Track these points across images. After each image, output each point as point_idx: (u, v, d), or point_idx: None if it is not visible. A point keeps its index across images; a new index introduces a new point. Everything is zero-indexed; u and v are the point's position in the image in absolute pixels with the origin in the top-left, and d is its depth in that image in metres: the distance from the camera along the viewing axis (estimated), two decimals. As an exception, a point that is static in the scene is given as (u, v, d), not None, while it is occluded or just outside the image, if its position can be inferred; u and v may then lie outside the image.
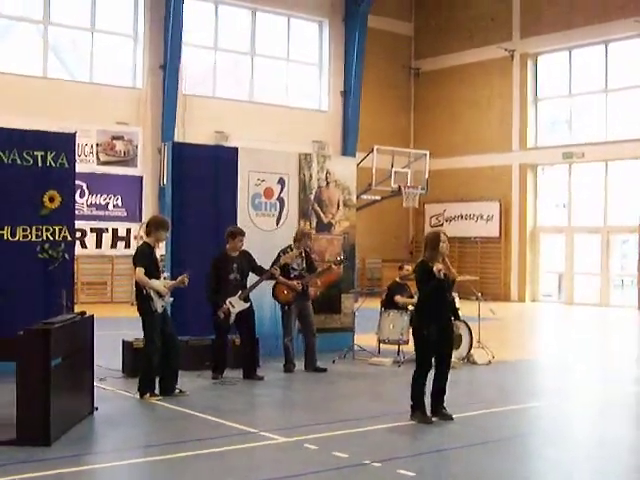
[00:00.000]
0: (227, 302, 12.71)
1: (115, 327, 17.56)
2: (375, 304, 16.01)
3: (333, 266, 14.84)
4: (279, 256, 13.58)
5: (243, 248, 13.06)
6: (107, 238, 27.78)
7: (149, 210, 28.09)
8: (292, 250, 13.65)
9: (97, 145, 27.54)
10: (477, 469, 8.02)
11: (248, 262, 13.08)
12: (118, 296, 27.45)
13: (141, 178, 28.49)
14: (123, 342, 13.16)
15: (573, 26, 30.17)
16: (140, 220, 27.90)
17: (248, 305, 12.90)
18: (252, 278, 13.17)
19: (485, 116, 33.04)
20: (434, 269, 9.80)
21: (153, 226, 11.28)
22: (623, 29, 29.14)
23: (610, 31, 29.50)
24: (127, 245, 27.76)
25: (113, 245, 27.86)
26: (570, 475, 8.05)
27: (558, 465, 8.38)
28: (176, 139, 27.07)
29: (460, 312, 14.48)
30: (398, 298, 15.29)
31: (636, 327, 25.24)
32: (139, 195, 28.42)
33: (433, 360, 10.10)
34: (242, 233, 13.05)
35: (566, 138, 32.04)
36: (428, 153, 29.29)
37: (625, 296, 31.36)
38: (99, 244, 27.55)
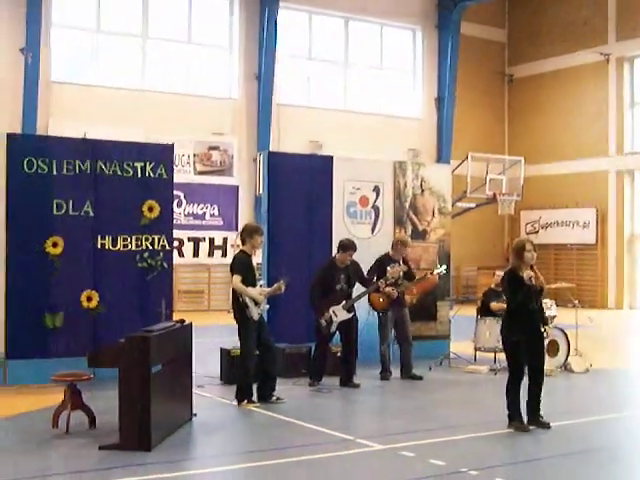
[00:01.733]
0: (331, 310, 12.79)
1: (212, 335, 17.85)
2: (471, 312, 15.93)
3: (429, 275, 14.80)
4: (379, 265, 13.62)
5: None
6: (204, 247, 28.17)
7: (245, 219, 28.35)
8: (391, 259, 13.67)
9: (194, 155, 27.99)
10: (576, 477, 7.94)
11: (355, 272, 13.14)
12: (215, 304, 27.80)
13: (237, 187, 28.82)
14: (221, 350, 13.35)
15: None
16: (236, 229, 28.19)
17: (351, 315, 12.95)
18: (357, 288, 13.25)
19: (580, 121, 32.58)
20: (524, 275, 9.77)
21: (247, 233, 11.42)
22: None
23: None
24: (224, 254, 28.10)
25: (210, 254, 28.24)
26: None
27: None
28: (271, 149, 27.28)
29: (555, 320, 14.55)
30: (494, 305, 15.17)
31: None
32: (235, 204, 28.76)
33: (526, 368, 10.03)
34: (354, 248, 13.02)
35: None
36: (523, 159, 29.06)
37: None
38: (196, 253, 27.96)
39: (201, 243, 28.16)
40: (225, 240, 28.34)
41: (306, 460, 8.41)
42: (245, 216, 28.50)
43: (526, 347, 9.88)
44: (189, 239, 27.74)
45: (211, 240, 28.30)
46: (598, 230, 31.84)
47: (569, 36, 32.77)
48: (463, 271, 32.88)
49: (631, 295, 31.51)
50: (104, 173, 13.12)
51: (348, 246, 13.08)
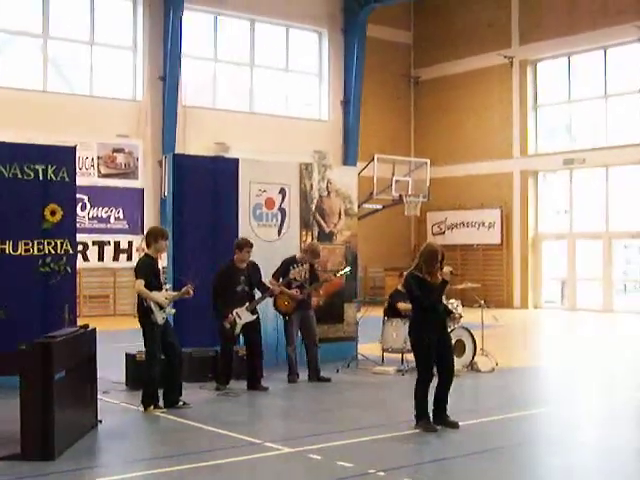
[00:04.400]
0: (234, 313, 12.69)
1: (118, 340, 17.59)
2: (378, 313, 15.98)
3: (333, 276, 14.80)
4: (285, 267, 13.58)
5: (252, 260, 13.06)
6: (109, 251, 27.78)
7: (150, 222, 28.00)
8: (297, 261, 13.68)
9: (98, 158, 27.58)
10: (482, 477, 7.99)
11: (255, 275, 13.06)
12: (121, 309, 27.44)
13: (142, 190, 28.49)
14: (126, 355, 13.14)
15: (572, 32, 30.22)
16: (142, 232, 27.83)
17: (255, 317, 12.88)
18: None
19: (485, 123, 33.05)
20: (444, 270, 9.83)
21: (152, 237, 11.27)
22: (622, 34, 29.17)
23: (609, 36, 29.55)
24: (129, 258, 27.74)
25: (115, 258, 27.86)
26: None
27: (563, 473, 8.34)
28: (176, 151, 27.03)
29: (461, 320, 14.69)
30: (401, 305, 15.19)
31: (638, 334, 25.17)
32: (140, 207, 28.42)
33: (435, 369, 10.09)
34: (250, 245, 13.01)
35: (567, 144, 32.09)
36: (429, 161, 29.32)
37: (628, 301, 31.32)
38: (101, 257, 27.55)
39: (106, 247, 27.75)
40: (130, 244, 27.97)
41: (214, 465, 8.29)
42: (150, 219, 28.18)
43: (435, 347, 9.91)
44: (94, 243, 27.32)
45: (116, 244, 27.91)
46: (503, 231, 32.33)
47: (474, 39, 33.21)
48: (370, 272, 33.02)
49: (536, 294, 32.03)
50: (3, 176, 12.80)
51: (243, 244, 13.01)
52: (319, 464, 8.30)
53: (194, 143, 28.50)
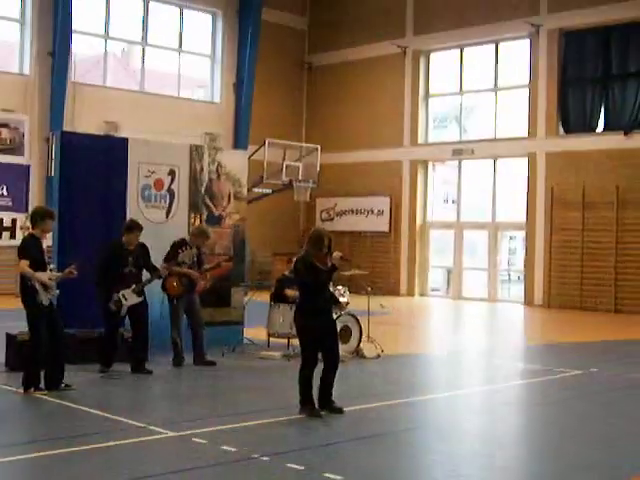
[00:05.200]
0: (120, 294, 12.51)
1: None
2: (265, 298, 15.97)
3: (222, 262, 14.71)
4: (175, 250, 13.45)
5: (140, 241, 12.90)
6: (-8, 228, 27.10)
7: (36, 200, 27.46)
8: (188, 246, 13.59)
9: (-18, 133, 26.85)
10: (366, 462, 8.04)
11: (143, 256, 12.90)
12: (3, 287, 26.76)
13: (28, 167, 27.81)
14: (7, 335, 12.82)
15: (465, 25, 30.58)
16: (26, 210, 27.22)
17: (141, 299, 12.72)
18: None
19: (377, 112, 33.21)
20: (334, 255, 9.87)
21: (38, 216, 11.01)
22: (513, 29, 29.65)
23: (501, 31, 30.00)
24: (12, 236, 27.08)
25: (-3, 235, 27.19)
26: (457, 468, 8.13)
27: (447, 458, 8.45)
28: (65, 128, 26.44)
29: (348, 306, 14.78)
30: (289, 292, 15.26)
31: (522, 322, 25.78)
32: (25, 185, 27.75)
33: (319, 354, 10.12)
34: (140, 227, 12.89)
35: (456, 135, 32.55)
36: (320, 147, 29.34)
37: (512, 291, 32.03)
38: (-17, 234, 26.85)
39: (-12, 224, 27.06)
40: (14, 221, 27.27)
41: (96, 448, 8.16)
42: (36, 197, 27.57)
43: (321, 333, 9.95)
44: (-25, 219, 26.62)
45: (-1, 221, 27.25)
46: (392, 219, 32.59)
47: (368, 27, 33.32)
48: (258, 257, 32.94)
49: (422, 283, 32.41)
50: None
51: (133, 226, 12.88)
52: (203, 448, 8.24)
53: (83, 121, 27.92)
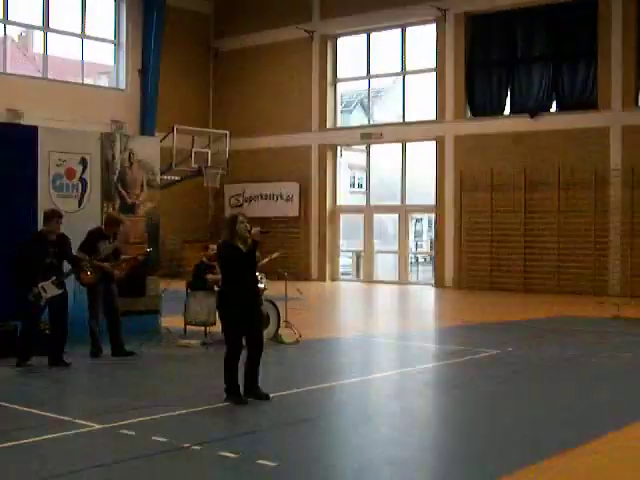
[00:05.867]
0: (39, 286, 12.22)
1: None
2: (178, 285, 15.84)
3: (139, 257, 14.49)
4: (93, 241, 13.22)
5: (62, 232, 12.62)
6: None
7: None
8: (105, 235, 13.38)
9: None
10: (296, 448, 8.04)
11: (65, 248, 12.62)
12: None
13: None
14: None
15: (371, 9, 30.71)
16: None
17: (61, 291, 12.45)
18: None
19: (285, 97, 33.18)
20: (252, 231, 9.83)
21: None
22: (420, 13, 29.88)
23: (407, 15, 30.21)
24: None
25: None
26: (386, 450, 8.17)
27: (373, 441, 8.49)
28: (-35, 117, 25.90)
29: (264, 292, 14.72)
30: (211, 277, 15.08)
31: (435, 303, 26.09)
32: None
33: (243, 341, 10.07)
34: (58, 215, 12.59)
35: (365, 119, 32.69)
36: (228, 133, 29.20)
37: (420, 274, 32.37)
38: None
39: None
40: None
41: (21, 445, 7.93)
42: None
43: (245, 318, 9.89)
44: None
45: None
46: (301, 204, 32.62)
47: (275, 11, 33.25)
48: (168, 244, 32.63)
49: (332, 267, 32.52)
50: None
51: (52, 215, 12.61)
52: (133, 440, 8.12)
53: (-17, 109, 27.31)
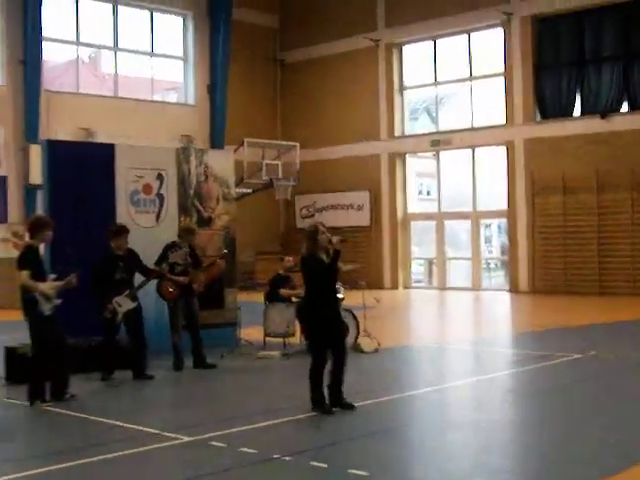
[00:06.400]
0: (113, 302, 12.42)
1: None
2: (254, 298, 15.93)
3: (218, 260, 14.65)
4: (165, 252, 13.37)
5: (128, 246, 12.80)
6: (-29, 241, 26.83)
7: (14, 211, 27.35)
8: (178, 246, 13.49)
9: (-43, 145, 26.61)
10: (385, 457, 8.01)
11: (134, 261, 12.81)
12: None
13: (5, 178, 27.60)
14: (6, 348, 12.65)
15: (436, 16, 30.68)
16: (5, 221, 27.09)
17: (135, 304, 12.63)
18: (139, 276, 12.92)
19: (352, 106, 33.24)
20: (333, 240, 9.84)
21: (39, 227, 10.91)
22: (485, 18, 29.75)
23: (473, 20, 30.10)
24: (-8, 247, 26.94)
25: (-22, 247, 26.92)
26: (480, 457, 8.12)
27: (466, 449, 8.45)
28: (40, 137, 26.33)
29: (342, 302, 14.72)
30: (283, 291, 15.32)
31: (511, 309, 25.85)
32: (3, 195, 27.53)
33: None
34: (126, 230, 12.79)
35: (433, 126, 32.62)
36: (298, 145, 29.30)
37: (496, 279, 32.13)
38: (-38, 246, 26.57)
39: (-33, 236, 26.78)
40: (-6, 233, 27.11)
41: (114, 457, 8.05)
42: (14, 207, 27.41)
43: (329, 330, 9.92)
44: (-46, 232, 26.34)
45: (-22, 233, 26.99)
46: (372, 212, 32.63)
47: (339, 22, 33.35)
48: (241, 257, 32.79)
49: (405, 274, 32.46)
50: None
51: (120, 230, 12.80)
52: (223, 451, 8.18)
53: (58, 129, 27.74)
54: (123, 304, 12.52)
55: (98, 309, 12.52)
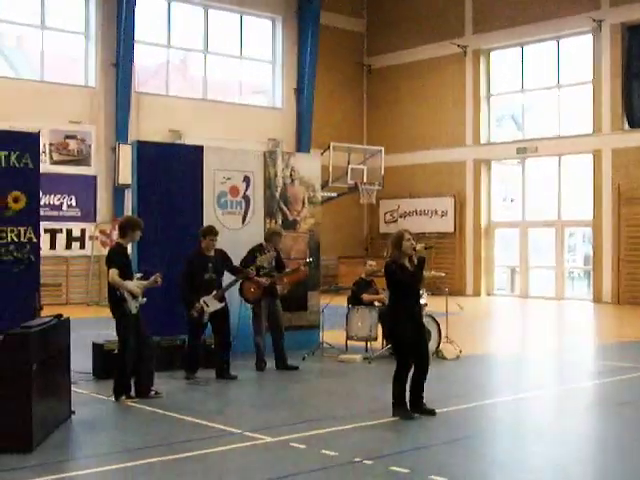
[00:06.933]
0: (201, 301, 12.59)
1: (74, 329, 17.28)
2: (337, 301, 15.98)
3: (302, 267, 14.75)
4: (251, 254, 13.50)
5: (217, 247, 12.97)
6: (61, 239, 27.38)
7: (104, 210, 27.87)
8: (263, 248, 13.62)
9: (50, 144, 27.15)
10: (466, 464, 8.01)
11: (223, 261, 12.98)
12: (73, 297, 27.11)
13: (95, 177, 28.13)
14: (93, 344, 12.93)
15: (525, 22, 30.41)
16: (95, 220, 27.63)
17: (223, 305, 12.79)
18: (227, 277, 13.07)
19: (438, 112, 33.12)
20: (417, 247, 9.88)
21: (129, 227, 11.12)
22: (574, 25, 29.41)
23: (562, 27, 29.75)
24: (82, 246, 27.49)
25: (68, 246, 27.47)
26: (562, 469, 8.06)
27: (548, 460, 8.38)
28: (130, 137, 26.80)
29: (425, 308, 14.72)
30: (365, 296, 15.38)
31: (592, 320, 25.50)
32: (93, 195, 28.06)
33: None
34: (215, 232, 12.93)
35: (519, 133, 32.35)
36: (383, 149, 29.36)
37: (579, 289, 31.70)
38: (53, 245, 27.13)
39: (58, 235, 27.33)
40: (83, 231, 27.63)
41: (196, 455, 8.20)
42: (104, 207, 27.95)
43: (412, 335, 9.93)
44: (45, 231, 26.73)
45: (69, 232, 27.53)
46: (456, 219, 32.47)
47: (427, 27, 33.26)
48: (324, 260, 32.89)
49: (488, 282, 32.25)
50: (-35, 162, 12.55)
51: (207, 231, 12.95)
52: (304, 453, 8.26)
53: (147, 130, 28.14)
54: (211, 304, 12.68)
55: (186, 308, 12.69)
